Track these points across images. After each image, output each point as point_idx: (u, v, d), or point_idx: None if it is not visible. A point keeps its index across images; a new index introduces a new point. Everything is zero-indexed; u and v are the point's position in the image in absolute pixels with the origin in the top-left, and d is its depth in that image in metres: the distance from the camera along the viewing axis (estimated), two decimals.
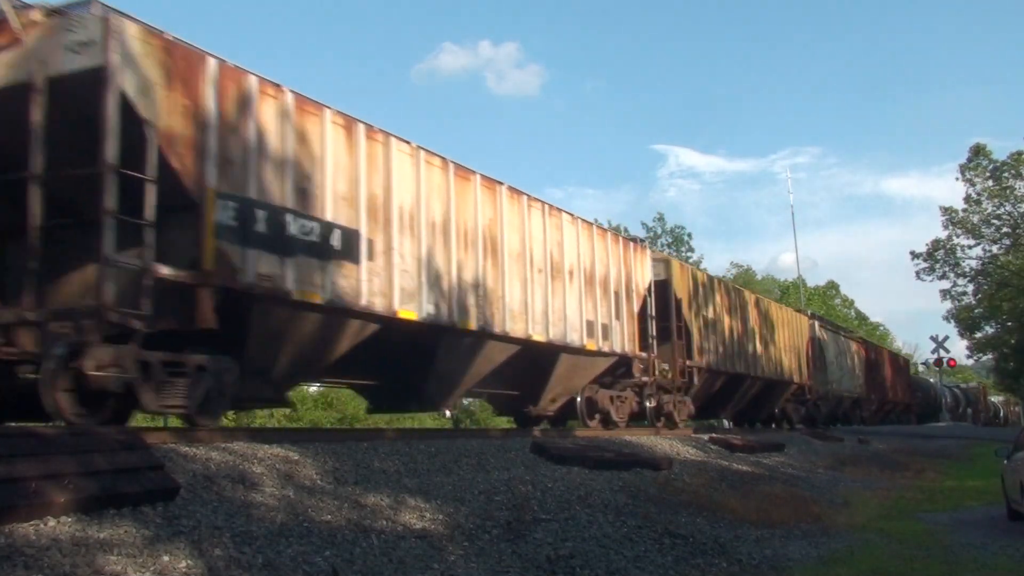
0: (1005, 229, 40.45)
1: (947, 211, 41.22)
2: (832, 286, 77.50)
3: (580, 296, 14.74)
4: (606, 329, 15.41)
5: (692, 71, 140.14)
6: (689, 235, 59.99)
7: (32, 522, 5.19)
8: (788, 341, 26.00)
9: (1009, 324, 44.90)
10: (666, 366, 17.90)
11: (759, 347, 23.53)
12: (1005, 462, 11.25)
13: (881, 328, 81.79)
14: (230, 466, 7.34)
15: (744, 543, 8.83)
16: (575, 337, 14.42)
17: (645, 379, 16.93)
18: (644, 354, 16.92)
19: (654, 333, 17.43)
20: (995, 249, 41.41)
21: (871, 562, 8.32)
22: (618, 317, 15.94)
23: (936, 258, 41.91)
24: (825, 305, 68.45)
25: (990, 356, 52.17)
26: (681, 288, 18.82)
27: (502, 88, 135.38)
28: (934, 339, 45.83)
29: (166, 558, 5.19)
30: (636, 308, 16.82)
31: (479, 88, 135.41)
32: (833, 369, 30.68)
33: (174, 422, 12.51)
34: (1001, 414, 63.83)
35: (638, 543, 8.08)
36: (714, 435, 18.01)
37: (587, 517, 8.52)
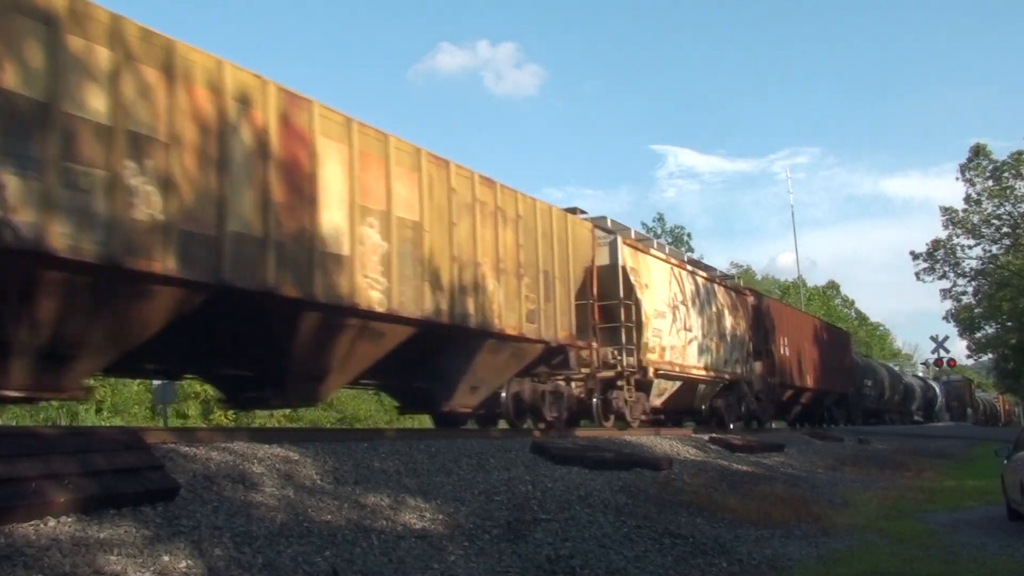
0: (1005, 229, 40.35)
1: (947, 211, 41.15)
2: (832, 286, 77.63)
3: None
4: None
5: (691, 71, 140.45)
6: (689, 235, 60.11)
7: (32, 522, 5.19)
8: (530, 260, 13.59)
9: (1009, 324, 44.85)
10: None
11: (430, 259, 11.24)
12: (1005, 462, 11.25)
13: (881, 328, 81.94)
14: (230, 466, 7.35)
15: (744, 543, 8.83)
16: None
17: None
18: None
19: None
20: (995, 249, 41.31)
21: (871, 562, 8.32)
22: None
23: (936, 258, 41.82)
24: (825, 305, 68.47)
25: (990, 356, 52.14)
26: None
27: (500, 88, 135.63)
28: (934, 339, 45.93)
29: (166, 558, 5.20)
30: None
31: (477, 88, 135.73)
32: (662, 328, 17.32)
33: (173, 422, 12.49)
34: (999, 414, 63.54)
35: (638, 543, 8.08)
36: (714, 435, 18.04)
37: (587, 517, 8.52)
